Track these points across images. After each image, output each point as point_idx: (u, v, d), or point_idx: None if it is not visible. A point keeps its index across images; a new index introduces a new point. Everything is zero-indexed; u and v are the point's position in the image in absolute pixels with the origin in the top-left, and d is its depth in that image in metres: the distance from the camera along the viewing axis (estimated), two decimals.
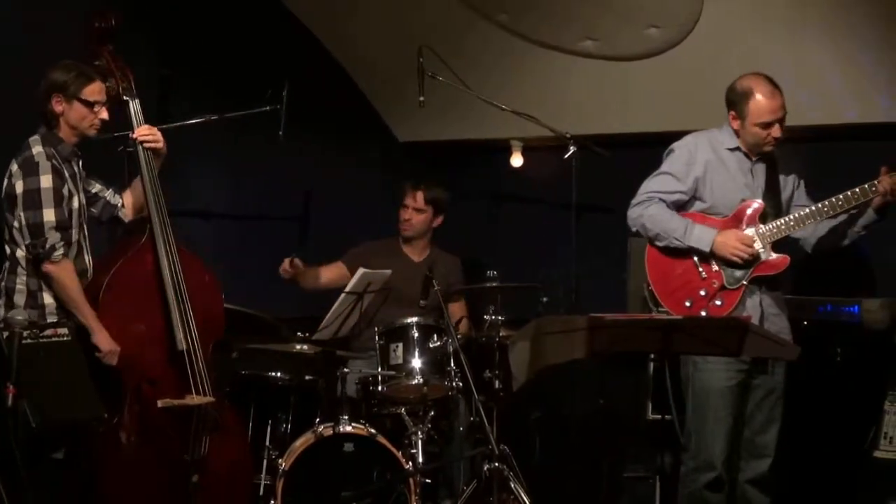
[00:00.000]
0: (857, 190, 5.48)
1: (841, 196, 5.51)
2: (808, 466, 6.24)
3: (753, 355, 5.42)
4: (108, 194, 5.65)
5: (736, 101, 5.61)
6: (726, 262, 5.58)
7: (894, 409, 5.88)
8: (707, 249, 5.57)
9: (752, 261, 5.57)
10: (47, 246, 5.24)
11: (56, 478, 5.26)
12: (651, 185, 5.74)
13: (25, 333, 4.94)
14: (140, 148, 5.60)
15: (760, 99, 5.55)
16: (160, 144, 5.63)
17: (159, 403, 5.42)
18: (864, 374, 6.14)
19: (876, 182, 5.45)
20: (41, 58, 5.64)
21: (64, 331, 5.14)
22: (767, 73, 5.67)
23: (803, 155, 5.91)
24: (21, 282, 5.29)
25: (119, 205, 5.68)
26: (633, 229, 5.77)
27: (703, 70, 6.74)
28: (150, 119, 5.74)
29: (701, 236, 5.59)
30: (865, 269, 6.59)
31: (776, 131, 5.57)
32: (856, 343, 6.28)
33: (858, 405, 6.09)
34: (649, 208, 5.68)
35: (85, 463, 5.35)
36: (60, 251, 5.27)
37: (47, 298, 5.31)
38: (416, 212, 7.06)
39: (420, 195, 7.04)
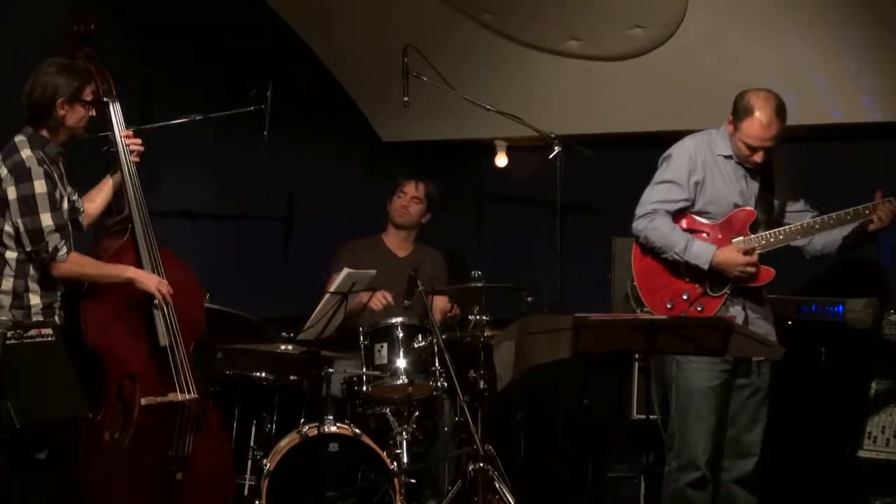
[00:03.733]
0: (851, 211, 5.52)
1: (833, 215, 5.55)
2: (792, 466, 6.25)
3: (738, 355, 5.43)
4: (76, 198, 5.64)
5: (737, 110, 5.58)
6: (723, 277, 5.60)
7: (878, 408, 5.89)
8: (705, 267, 5.57)
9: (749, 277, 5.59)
10: (50, 249, 5.23)
11: (40, 478, 5.25)
12: (654, 194, 5.73)
13: (9, 334, 4.93)
14: (122, 149, 5.60)
15: (756, 124, 5.51)
16: (140, 149, 5.65)
17: (142, 401, 5.43)
18: (848, 373, 6.15)
19: (870, 206, 5.48)
20: (18, 58, 5.63)
21: (48, 331, 5.11)
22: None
23: (801, 159, 5.90)
24: (7, 283, 5.27)
25: (80, 209, 5.66)
26: (639, 240, 5.75)
27: (688, 70, 6.75)
28: (133, 120, 5.73)
29: (699, 253, 5.58)
30: (849, 269, 6.60)
31: (758, 157, 5.57)
32: (840, 343, 6.29)
33: (842, 405, 6.10)
34: (654, 221, 5.67)
35: (69, 462, 5.35)
36: (64, 250, 5.27)
37: (34, 299, 5.30)
38: (414, 201, 7.15)
39: (421, 186, 7.16)
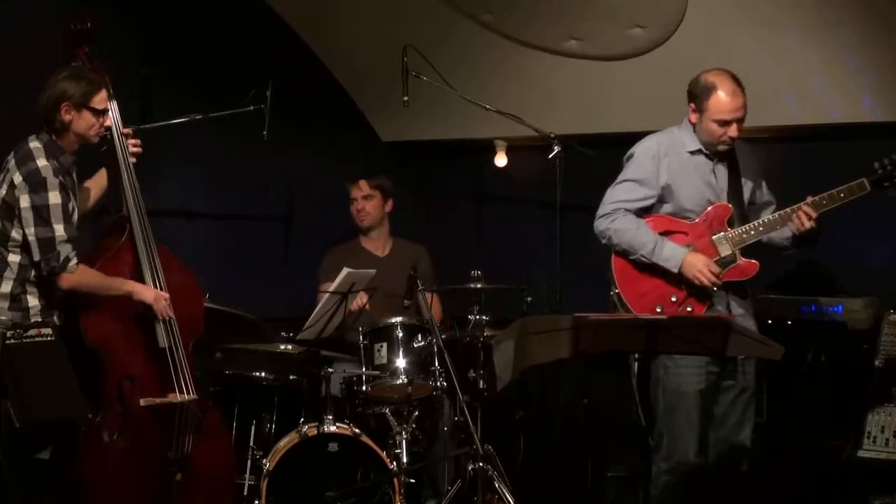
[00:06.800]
0: (826, 195, 5.52)
1: (817, 198, 5.54)
2: (791, 465, 6.25)
3: (737, 355, 5.42)
4: None
5: (697, 94, 5.59)
6: (689, 283, 5.57)
7: (877, 408, 5.89)
8: (675, 270, 5.55)
9: (711, 288, 5.55)
10: (61, 259, 5.23)
11: (40, 478, 5.25)
12: (615, 194, 5.72)
13: (9, 334, 4.93)
14: (120, 148, 5.58)
15: (722, 96, 5.51)
16: (138, 150, 5.65)
17: (141, 402, 5.43)
18: (847, 373, 6.15)
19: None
20: (17, 59, 5.63)
21: (48, 331, 5.11)
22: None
23: (761, 153, 5.90)
24: (6, 286, 5.27)
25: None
26: (602, 241, 5.75)
27: (688, 70, 6.68)
28: (133, 119, 5.73)
29: (670, 256, 5.56)
30: (848, 269, 6.61)
31: (733, 131, 5.54)
32: (839, 343, 6.29)
33: (842, 405, 6.10)
34: (615, 221, 5.66)
35: (69, 462, 5.35)
36: (74, 261, 5.27)
37: (31, 301, 5.30)
38: (365, 199, 7.16)
39: (363, 183, 7.17)
